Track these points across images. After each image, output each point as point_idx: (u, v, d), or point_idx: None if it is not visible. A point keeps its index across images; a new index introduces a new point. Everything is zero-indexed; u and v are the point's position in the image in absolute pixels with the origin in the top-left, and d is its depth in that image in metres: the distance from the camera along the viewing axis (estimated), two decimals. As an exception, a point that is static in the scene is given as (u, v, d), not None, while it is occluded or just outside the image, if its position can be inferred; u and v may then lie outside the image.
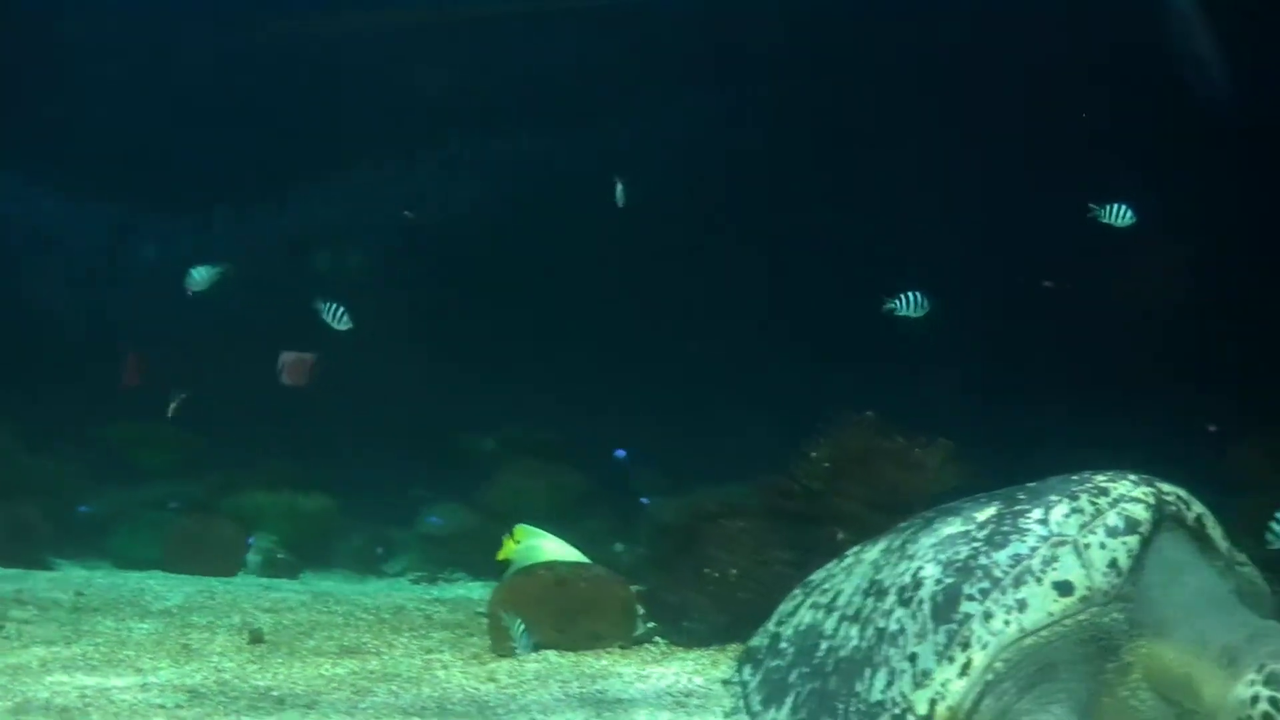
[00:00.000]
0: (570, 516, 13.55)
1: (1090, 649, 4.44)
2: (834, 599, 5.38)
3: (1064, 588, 4.44)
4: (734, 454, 11.32)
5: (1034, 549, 4.54)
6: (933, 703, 4.49)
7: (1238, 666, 4.17)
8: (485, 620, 9.48)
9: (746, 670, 5.74)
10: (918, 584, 4.78)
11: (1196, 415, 12.56)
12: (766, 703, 5.35)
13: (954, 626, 4.54)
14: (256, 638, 9.32)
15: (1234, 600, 4.55)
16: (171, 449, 14.89)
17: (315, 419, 14.98)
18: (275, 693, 7.86)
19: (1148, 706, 4.49)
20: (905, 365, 13.55)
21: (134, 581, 12.14)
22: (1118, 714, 4.53)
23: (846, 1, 15.78)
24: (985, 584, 4.55)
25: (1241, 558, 4.95)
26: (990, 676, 4.43)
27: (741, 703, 5.61)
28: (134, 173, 17.08)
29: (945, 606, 4.61)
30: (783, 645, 5.54)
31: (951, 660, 4.49)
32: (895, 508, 8.16)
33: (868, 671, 4.79)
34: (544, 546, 10.20)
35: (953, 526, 4.93)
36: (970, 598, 4.56)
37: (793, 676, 5.28)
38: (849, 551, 5.79)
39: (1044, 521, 4.62)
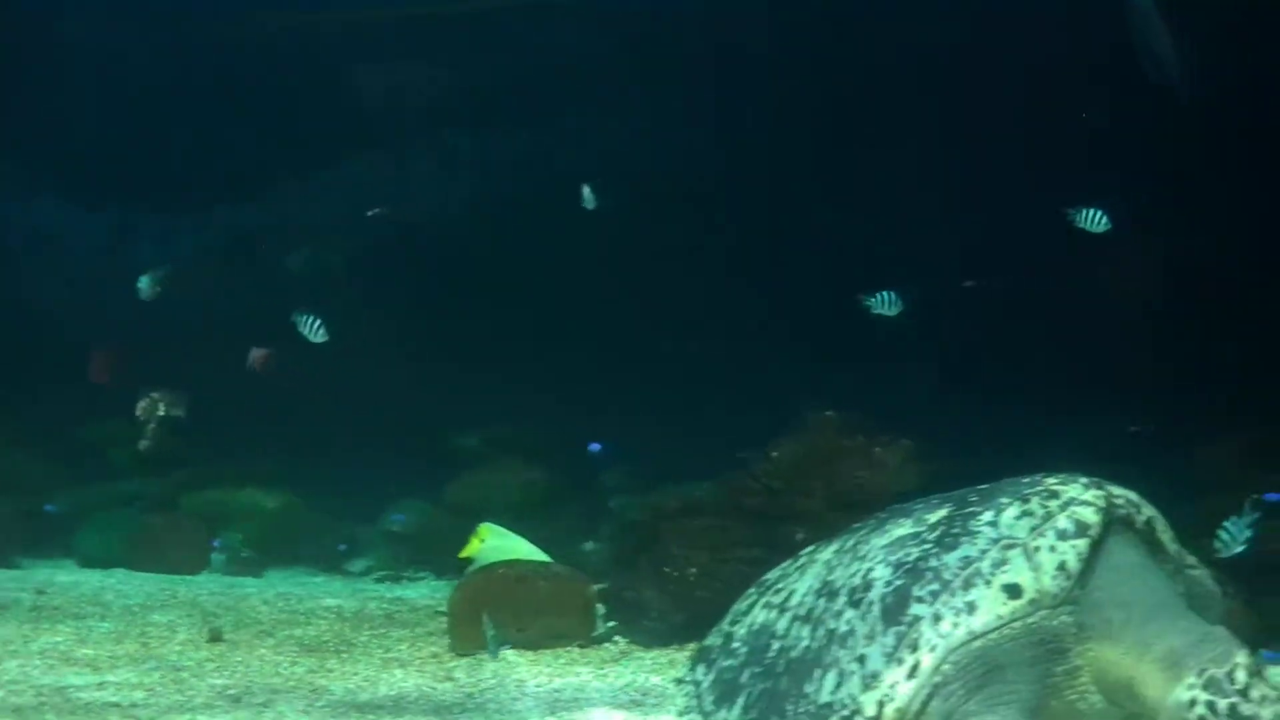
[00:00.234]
0: (538, 515, 13.45)
1: (1039, 652, 4.36)
2: (787, 599, 5.30)
3: (1013, 590, 4.35)
4: (703, 452, 11.22)
5: (984, 551, 4.46)
6: (881, 704, 4.40)
7: (1178, 670, 4.11)
8: (445, 619, 9.37)
9: (700, 669, 5.65)
10: (868, 585, 4.69)
11: (1163, 416, 12.52)
12: (719, 702, 5.27)
13: (903, 628, 4.45)
14: (216, 636, 9.20)
15: (1182, 604, 4.48)
16: (135, 444, 14.70)
17: (283, 416, 14.84)
18: (231, 691, 7.75)
19: (1096, 710, 4.42)
20: (874, 365, 13.49)
21: (96, 580, 11.99)
22: (1066, 717, 4.45)
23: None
24: (935, 586, 4.47)
25: (1192, 560, 4.88)
26: (938, 679, 4.36)
27: (695, 702, 5.52)
28: (108, 171, 16.92)
29: (895, 608, 4.52)
30: (735, 645, 5.45)
31: (900, 662, 4.40)
32: (855, 507, 8.10)
33: (818, 672, 4.70)
34: (508, 545, 10.08)
35: (904, 528, 4.85)
36: (920, 600, 4.47)
37: (744, 676, 5.20)
38: (803, 551, 5.72)
39: (994, 524, 4.54)
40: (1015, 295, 14.05)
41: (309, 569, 13.72)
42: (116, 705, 7.32)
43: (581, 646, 9.11)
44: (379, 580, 13.15)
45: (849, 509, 8.45)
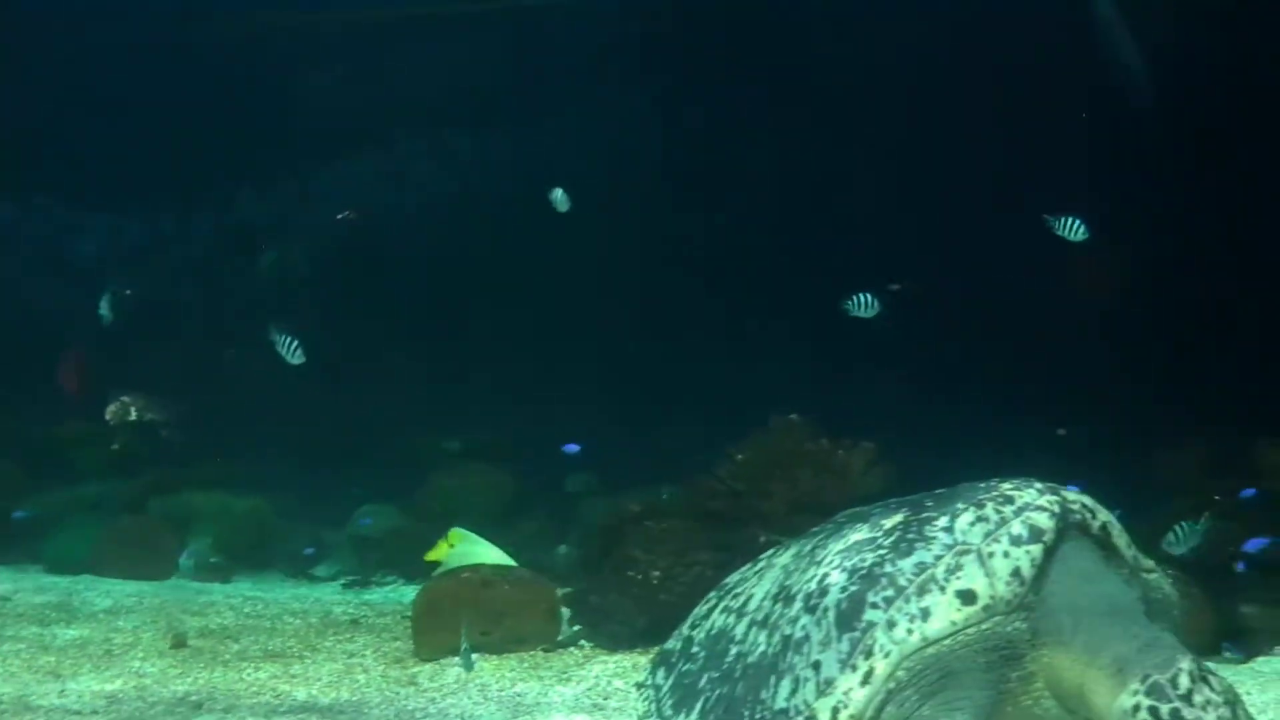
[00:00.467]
0: (507, 519, 13.36)
1: (993, 658, 4.28)
2: (745, 603, 5.21)
3: (967, 596, 4.27)
4: (671, 456, 11.16)
5: (938, 557, 4.37)
6: (835, 711, 4.31)
7: (1124, 676, 4.04)
8: (410, 624, 9.27)
9: (660, 674, 5.56)
10: (824, 591, 4.60)
11: (1127, 421, 12.53)
12: (677, 707, 5.17)
13: (857, 634, 4.36)
14: (180, 642, 9.08)
15: (1135, 609, 4.40)
16: (105, 449, 14.53)
17: (252, 420, 14.71)
18: (194, 697, 7.66)
19: (1051, 716, 4.34)
20: (842, 368, 13.45)
21: (63, 586, 11.81)
22: (1022, 723, 4.37)
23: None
24: (889, 592, 4.38)
25: (1149, 564, 4.80)
26: (892, 685, 4.27)
27: (654, 706, 5.42)
28: (73, 171, 16.75)
29: (849, 614, 4.43)
30: (695, 649, 5.36)
31: (854, 669, 4.31)
32: (818, 510, 8.02)
33: (773, 679, 4.61)
34: (476, 550, 9.97)
35: (860, 533, 4.76)
36: (874, 605, 4.38)
37: (703, 681, 5.11)
38: (763, 555, 5.63)
39: (949, 529, 4.45)
40: (981, 300, 14.02)
41: (278, 574, 13.57)
42: (77, 713, 7.23)
43: (546, 650, 9.02)
44: (347, 585, 13.01)
45: (811, 512, 8.38)
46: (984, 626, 4.25)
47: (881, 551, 4.54)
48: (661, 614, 8.38)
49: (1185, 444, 11.53)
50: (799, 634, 4.59)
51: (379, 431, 14.90)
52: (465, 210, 16.33)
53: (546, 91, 16.51)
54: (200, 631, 9.67)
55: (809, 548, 5.05)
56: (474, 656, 8.22)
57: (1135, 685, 3.99)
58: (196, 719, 7.18)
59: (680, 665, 5.40)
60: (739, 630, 5.09)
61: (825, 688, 4.36)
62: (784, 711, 4.48)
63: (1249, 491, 9.18)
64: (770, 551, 5.58)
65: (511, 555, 10.08)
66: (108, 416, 13.64)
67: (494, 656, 8.70)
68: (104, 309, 11.78)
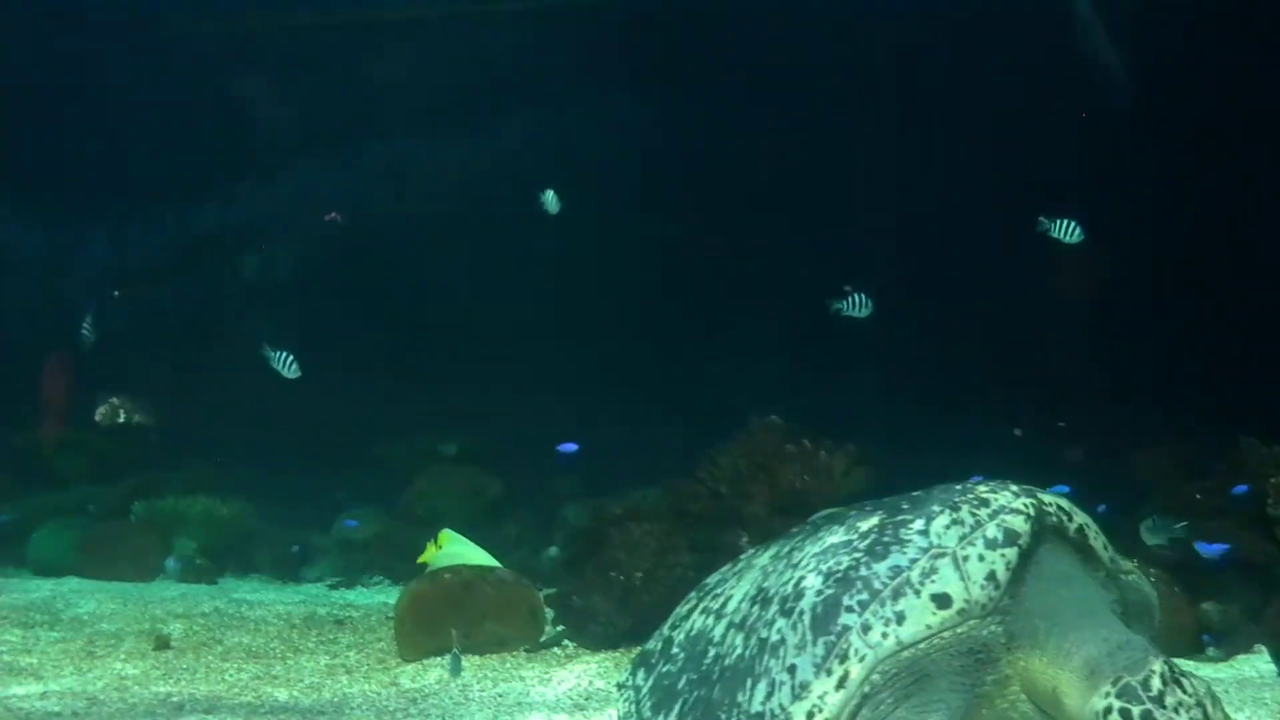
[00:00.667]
0: (494, 522, 13.31)
1: (969, 661, 4.23)
2: (724, 605, 5.17)
3: (942, 600, 4.22)
4: (657, 457, 11.10)
5: (913, 561, 4.32)
6: (810, 715, 4.27)
7: (1096, 678, 4.01)
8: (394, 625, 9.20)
9: (640, 674, 5.51)
10: (799, 594, 4.55)
11: (1106, 423, 12.50)
12: (656, 709, 5.12)
13: (832, 638, 4.31)
14: (162, 644, 9.01)
15: (1109, 612, 4.35)
16: (89, 454, 14.44)
17: (238, 425, 14.62)
18: (175, 698, 7.58)
19: (1028, 719, 4.29)
20: (825, 370, 13.41)
21: (47, 589, 11.71)
22: (998, 726, 4.33)
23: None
24: (864, 595, 4.33)
25: (1127, 566, 4.75)
26: (867, 689, 4.23)
27: (633, 707, 5.38)
28: (54, 178, 16.64)
29: (824, 618, 4.38)
30: (674, 650, 5.32)
31: (829, 673, 4.26)
32: (799, 511, 7.96)
33: (749, 682, 4.56)
34: (465, 552, 9.91)
35: (836, 535, 4.71)
36: (849, 609, 4.33)
37: (681, 683, 5.06)
38: (743, 555, 5.59)
39: (924, 533, 4.40)
40: (963, 303, 14.00)
41: (264, 576, 13.49)
42: (58, 714, 7.15)
43: (528, 651, 8.97)
44: (333, 587, 12.94)
45: (792, 513, 8.33)
46: (959, 630, 4.21)
47: (857, 555, 4.49)
48: (643, 615, 8.37)
49: (1165, 444, 11.49)
50: (775, 637, 4.54)
51: (363, 434, 14.82)
52: (448, 212, 16.25)
53: (528, 91, 16.44)
54: (184, 633, 9.58)
55: (786, 549, 5.01)
56: (447, 654, 8.18)
57: (1107, 687, 3.95)
58: (178, 720, 7.10)
59: (660, 666, 5.35)
60: (717, 632, 5.05)
61: (800, 692, 4.31)
62: (760, 715, 4.42)
63: (1241, 488, 9.13)
64: (750, 552, 5.54)
65: (497, 557, 10.03)
66: (97, 419, 13.53)
67: (476, 657, 8.64)
68: (86, 329, 11.64)
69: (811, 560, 4.65)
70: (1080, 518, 4.54)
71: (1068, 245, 10.85)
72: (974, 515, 4.37)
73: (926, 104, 14.50)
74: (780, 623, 4.55)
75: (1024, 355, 13.62)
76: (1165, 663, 3.96)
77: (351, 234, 16.02)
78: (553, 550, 12.65)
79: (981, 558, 4.25)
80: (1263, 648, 8.37)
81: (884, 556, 4.40)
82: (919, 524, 4.45)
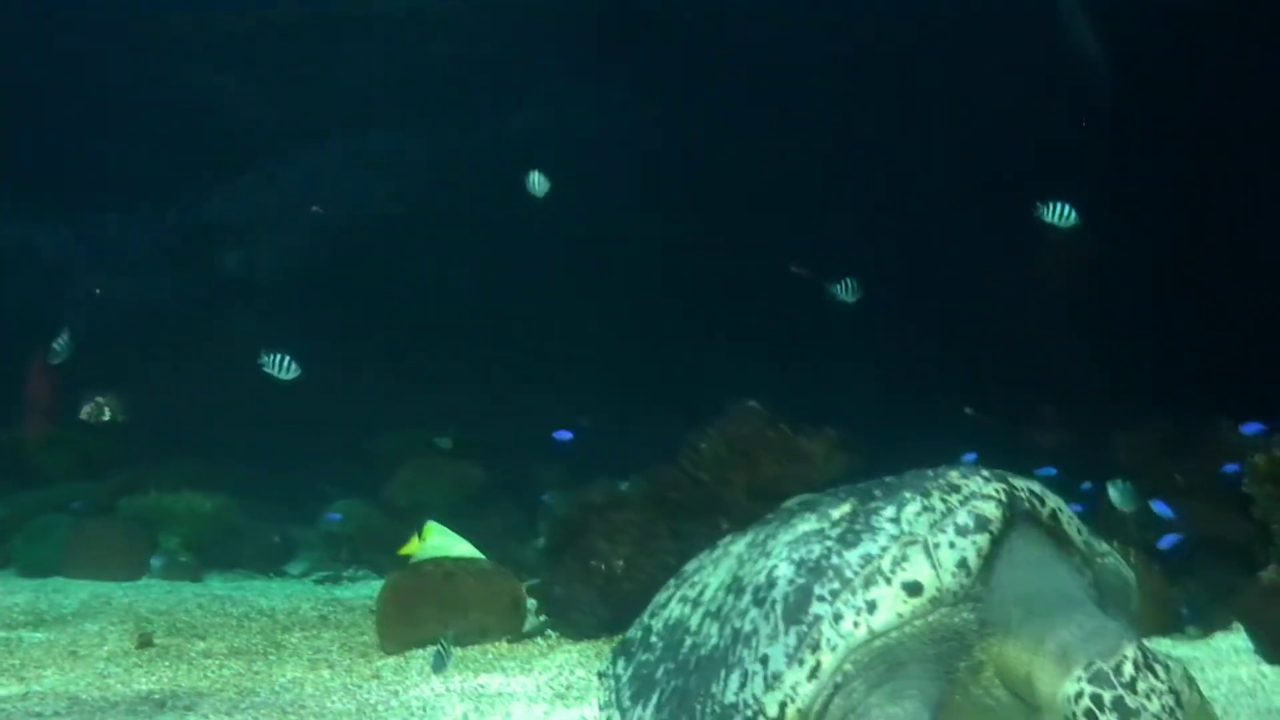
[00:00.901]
0: (480, 512, 13.22)
1: (941, 648, 4.15)
2: (700, 593, 5.09)
3: (913, 588, 4.13)
4: (641, 447, 11.02)
5: (884, 548, 4.24)
6: (783, 705, 4.19)
7: (1069, 663, 3.93)
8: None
9: (620, 663, 5.42)
10: (771, 583, 4.47)
11: (1087, 405, 12.45)
12: (635, 698, 5.04)
13: (804, 628, 4.23)
14: (145, 641, 8.93)
15: (1084, 596, 4.27)
16: (73, 451, 14.31)
17: (222, 419, 14.51)
18: (156, 696, 7.51)
19: (1002, 704, 4.22)
20: (809, 358, 13.35)
21: (32, 589, 11.63)
22: (972, 712, 4.24)
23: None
24: (836, 585, 4.25)
25: (1104, 549, 4.66)
26: (839, 678, 4.14)
27: (613, 696, 5.29)
28: (34, 174, 16.51)
29: (796, 607, 4.30)
30: (653, 639, 5.24)
31: (801, 663, 4.18)
32: (779, 497, 7.88)
33: (723, 672, 4.48)
34: (449, 544, 9.82)
35: (809, 524, 4.62)
36: (821, 599, 4.25)
37: (659, 672, 4.98)
38: (721, 541, 5.50)
39: (896, 520, 4.32)
40: (945, 286, 13.94)
41: (249, 572, 13.40)
42: (39, 715, 7.07)
43: (510, 642, 8.91)
44: (319, 581, 12.86)
45: (772, 499, 8.23)
46: (931, 618, 4.13)
47: (829, 543, 4.41)
48: (625, 603, 8.28)
49: (1147, 425, 11.44)
50: (748, 627, 4.47)
51: (351, 428, 14.72)
52: (432, 206, 16.16)
53: (509, 83, 16.35)
54: (167, 631, 9.51)
55: (762, 537, 4.93)
56: (428, 645, 8.13)
57: (1079, 672, 3.88)
58: (158, 717, 7.01)
59: (639, 655, 5.28)
60: (694, 621, 4.97)
61: (773, 682, 4.24)
62: (734, 706, 4.35)
63: (1231, 467, 9.07)
64: (728, 538, 5.46)
65: (482, 548, 9.94)
66: (82, 416, 13.39)
67: (458, 648, 8.55)
68: (59, 346, 11.47)
69: (784, 549, 4.57)
70: (1053, 501, 4.45)
71: (1062, 229, 10.74)
72: (945, 502, 4.29)
73: (904, 97, 14.44)
74: (753, 612, 4.47)
75: (1005, 340, 13.55)
76: (1139, 648, 3.88)
77: (340, 227, 15.90)
78: (541, 540, 12.58)
79: (953, 545, 4.17)
80: (1240, 625, 8.33)
81: (855, 544, 4.32)
82: (890, 511, 4.37)
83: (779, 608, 4.36)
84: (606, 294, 15.45)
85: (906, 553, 4.20)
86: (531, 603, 9.52)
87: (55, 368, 12.56)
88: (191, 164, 16.36)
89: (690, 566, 5.60)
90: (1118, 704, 3.78)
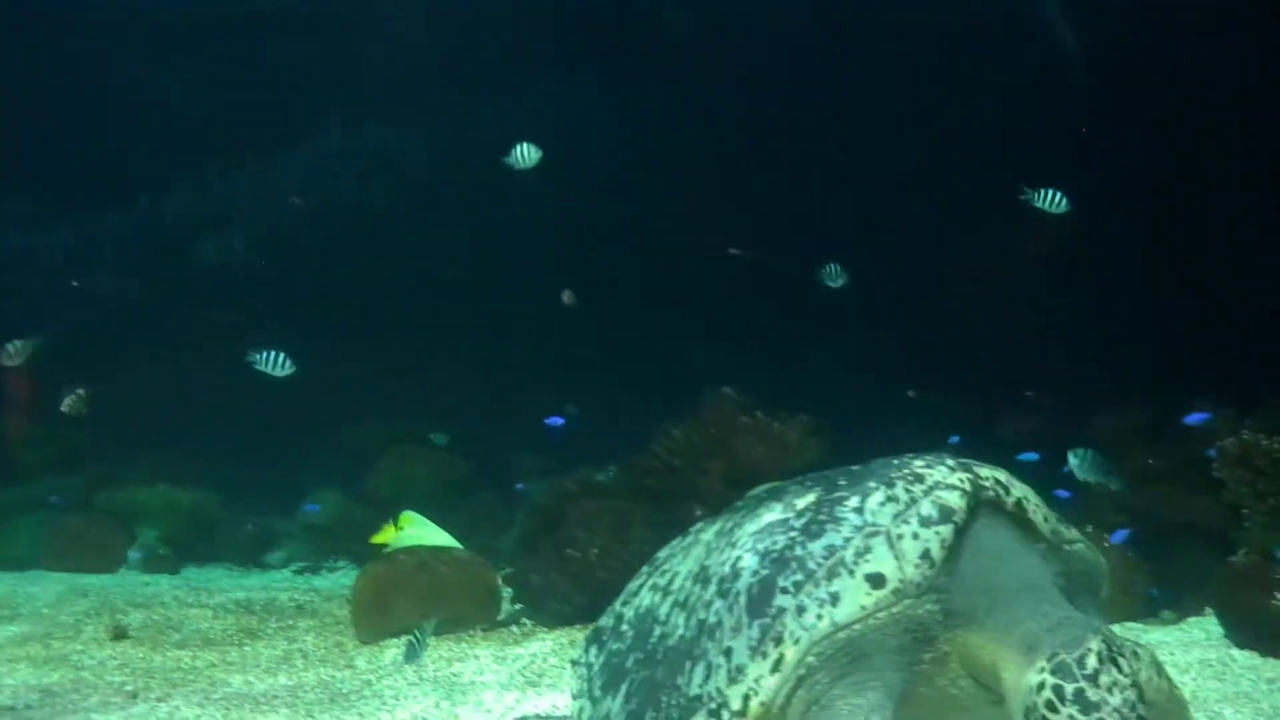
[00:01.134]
0: (461, 502, 13.14)
1: (905, 640, 4.06)
2: (670, 581, 5.00)
3: (876, 580, 4.05)
4: (625, 436, 10.94)
5: (848, 540, 4.15)
6: (746, 698, 4.11)
7: (1033, 654, 3.84)
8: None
9: (593, 651, 5.33)
10: (736, 574, 4.38)
11: (1063, 391, 12.42)
12: (606, 688, 4.96)
13: (767, 621, 4.15)
14: (120, 634, 8.85)
15: (1050, 586, 4.18)
16: (52, 446, 14.17)
17: (199, 411, 14.41)
18: (129, 687, 7.44)
19: (967, 695, 4.13)
20: (784, 345, 13.30)
21: (8, 583, 11.54)
22: (938, 703, 4.16)
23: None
24: (799, 576, 4.16)
25: (1072, 535, 4.55)
26: (802, 671, 4.06)
27: (586, 685, 5.21)
28: (12, 168, 16.38)
29: (760, 599, 4.21)
30: (624, 628, 5.15)
31: (765, 656, 4.10)
32: (753, 484, 7.81)
33: (688, 664, 4.40)
34: (424, 533, 9.73)
35: (774, 513, 4.53)
36: (784, 590, 4.16)
37: (630, 662, 4.90)
38: (692, 529, 5.41)
39: (859, 510, 4.23)
40: (921, 273, 13.90)
41: (227, 564, 13.31)
42: (10, 709, 6.98)
43: (485, 630, 8.85)
44: (298, 572, 12.79)
45: (748, 485, 8.17)
46: (894, 610, 4.04)
47: (793, 534, 4.33)
48: (600, 591, 8.21)
49: (1124, 410, 11.42)
50: (713, 619, 4.38)
51: (327, 419, 14.60)
52: (411, 199, 16.07)
53: (485, 80, 16.25)
54: (143, 623, 9.43)
55: (729, 526, 4.85)
56: (403, 635, 8.04)
57: (1042, 663, 3.80)
58: (131, 709, 6.93)
59: (611, 644, 5.19)
60: (663, 610, 4.89)
61: (736, 675, 4.16)
62: (698, 698, 4.27)
63: (1210, 451, 9.00)
64: (699, 525, 5.37)
65: (460, 538, 9.85)
66: (64, 409, 13.26)
67: (433, 637, 8.47)
68: (14, 349, 11.28)
69: (749, 539, 4.48)
70: (1019, 490, 4.35)
71: (1052, 215, 10.66)
72: (909, 492, 4.20)
73: (876, 89, 14.39)
74: (718, 604, 4.39)
75: (981, 327, 13.51)
76: (1104, 640, 3.80)
77: (318, 220, 15.79)
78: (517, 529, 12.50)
79: (916, 535, 4.08)
80: (1211, 610, 8.29)
81: (819, 536, 4.23)
82: (854, 501, 4.28)
83: (743, 599, 4.28)
84: (587, 284, 15.36)
85: (870, 544, 4.11)
86: (507, 591, 9.45)
87: (32, 365, 12.44)
88: (170, 158, 16.25)
89: (663, 553, 5.51)
90: (1079, 696, 3.70)
